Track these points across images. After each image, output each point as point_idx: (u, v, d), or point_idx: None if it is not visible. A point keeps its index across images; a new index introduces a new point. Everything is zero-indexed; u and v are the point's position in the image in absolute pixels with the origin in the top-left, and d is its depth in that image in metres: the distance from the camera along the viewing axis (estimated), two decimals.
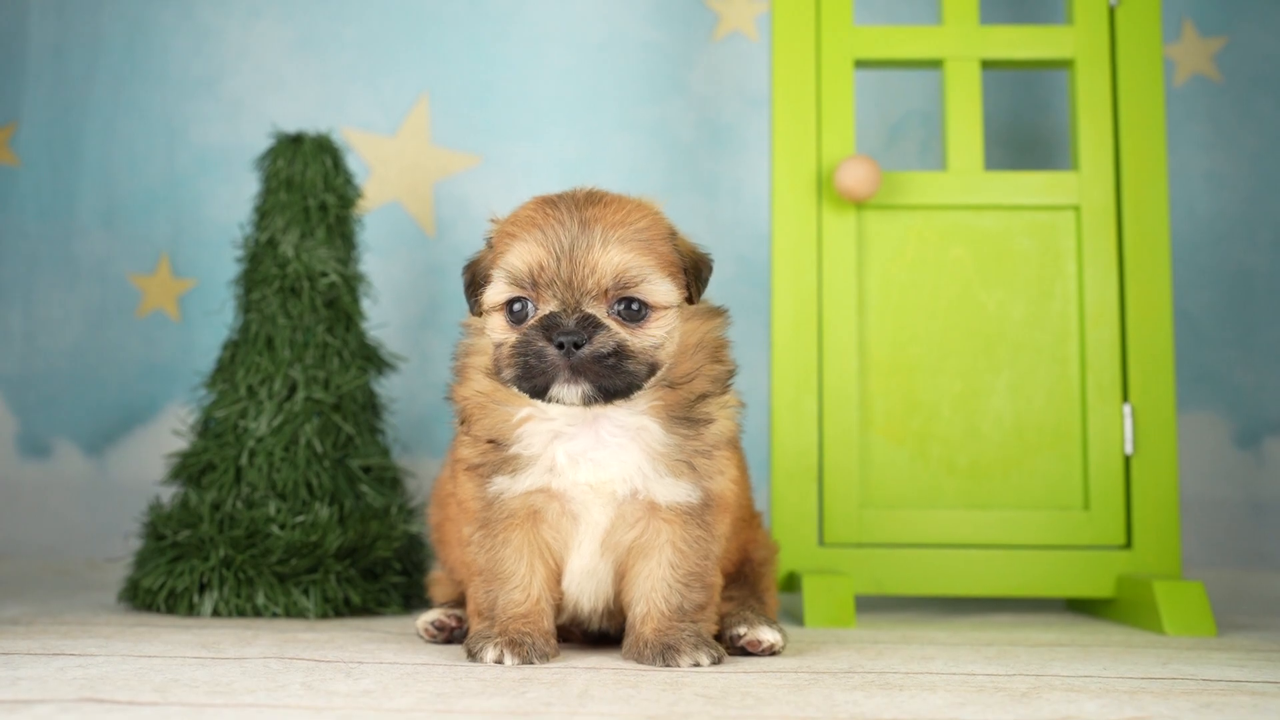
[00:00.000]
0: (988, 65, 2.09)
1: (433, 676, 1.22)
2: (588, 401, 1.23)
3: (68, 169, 2.56)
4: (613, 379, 1.22)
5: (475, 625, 1.39)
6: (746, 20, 2.55)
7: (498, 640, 1.30)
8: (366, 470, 1.99)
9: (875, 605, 2.12)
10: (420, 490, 2.20)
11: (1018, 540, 1.96)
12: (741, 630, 1.43)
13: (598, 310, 1.23)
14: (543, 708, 1.05)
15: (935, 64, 2.08)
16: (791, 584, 1.92)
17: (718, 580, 1.39)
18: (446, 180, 2.54)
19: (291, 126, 2.37)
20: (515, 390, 1.26)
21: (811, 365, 1.99)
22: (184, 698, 1.07)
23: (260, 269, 2.02)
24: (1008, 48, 2.06)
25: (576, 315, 1.22)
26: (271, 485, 1.90)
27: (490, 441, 1.33)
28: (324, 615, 1.82)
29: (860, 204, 2.02)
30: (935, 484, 1.99)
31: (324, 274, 2.02)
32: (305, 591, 1.82)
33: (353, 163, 2.44)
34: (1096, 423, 1.97)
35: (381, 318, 2.36)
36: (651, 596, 1.33)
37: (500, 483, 1.33)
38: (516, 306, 1.26)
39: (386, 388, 2.18)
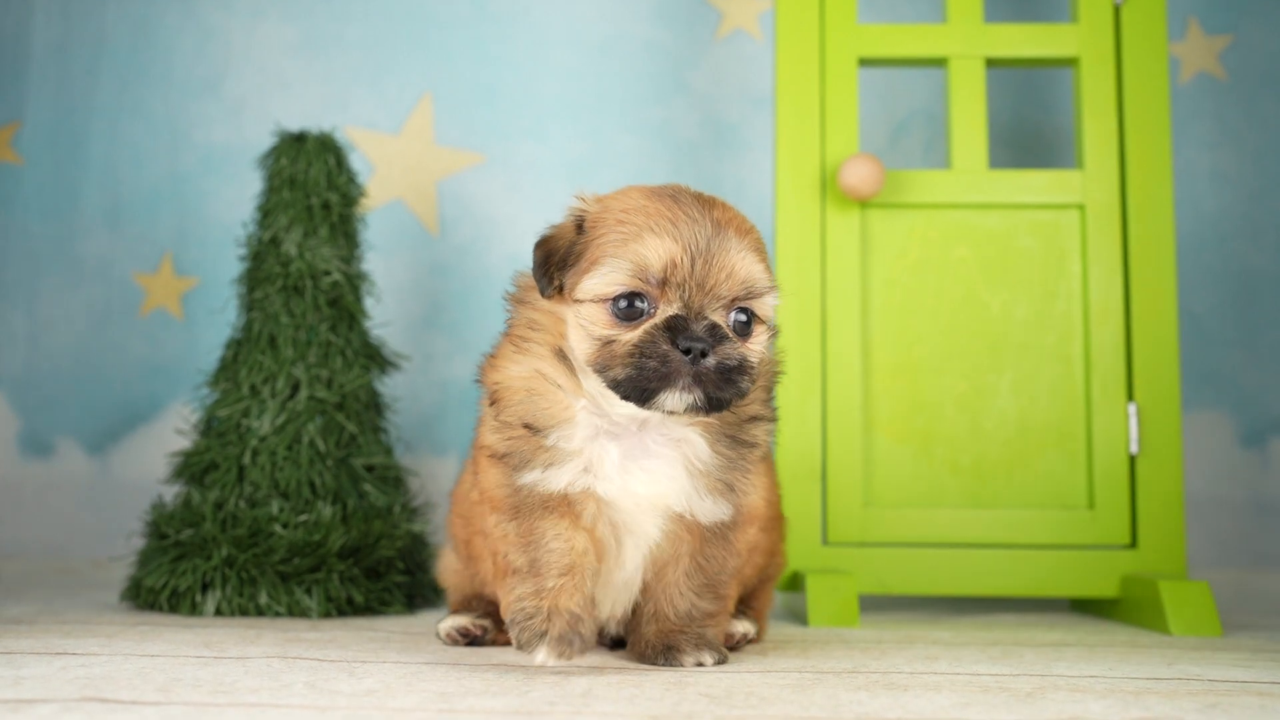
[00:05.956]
0: (992, 63, 2.08)
1: (436, 676, 1.22)
2: (691, 411, 1.16)
3: (71, 168, 2.56)
4: (725, 391, 1.16)
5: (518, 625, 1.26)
6: (749, 19, 2.54)
7: (547, 631, 1.20)
8: (369, 469, 1.98)
9: (879, 605, 2.11)
10: (423, 490, 2.20)
11: (1022, 540, 1.95)
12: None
13: (719, 318, 1.17)
14: (546, 707, 1.04)
15: (940, 62, 2.08)
16: (795, 583, 1.92)
17: (733, 592, 1.37)
18: (450, 179, 2.53)
19: (295, 126, 2.37)
20: (614, 393, 1.17)
21: (815, 364, 1.98)
22: (187, 697, 1.07)
23: (263, 268, 2.02)
24: (1012, 46, 2.05)
25: (705, 322, 1.15)
26: (274, 484, 1.89)
27: (526, 426, 1.24)
28: (327, 615, 1.81)
29: (864, 203, 2.01)
30: (939, 483, 1.98)
31: (327, 272, 2.01)
32: (308, 591, 1.81)
33: (356, 161, 2.44)
34: (1101, 422, 1.96)
35: (385, 316, 2.35)
36: (661, 599, 1.31)
37: (532, 476, 1.24)
38: (633, 303, 1.17)
39: (390, 386, 2.18)
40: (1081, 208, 2.01)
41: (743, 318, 1.19)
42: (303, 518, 1.86)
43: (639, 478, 1.24)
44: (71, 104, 2.58)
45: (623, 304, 1.17)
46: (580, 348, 1.20)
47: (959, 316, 2.01)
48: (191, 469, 1.95)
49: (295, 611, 1.80)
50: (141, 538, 1.98)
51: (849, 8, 2.05)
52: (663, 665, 1.28)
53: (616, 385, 1.16)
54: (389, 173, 2.53)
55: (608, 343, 1.17)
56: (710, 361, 1.14)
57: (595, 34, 2.55)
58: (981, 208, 2.03)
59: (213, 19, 2.58)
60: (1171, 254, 1.98)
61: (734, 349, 1.16)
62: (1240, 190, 2.46)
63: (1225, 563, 2.35)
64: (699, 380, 1.14)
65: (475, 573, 1.53)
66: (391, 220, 2.51)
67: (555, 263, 1.22)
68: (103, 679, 1.16)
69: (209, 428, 1.99)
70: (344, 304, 2.03)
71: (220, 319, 2.37)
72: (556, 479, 1.24)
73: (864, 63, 2.08)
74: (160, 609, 1.83)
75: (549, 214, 2.52)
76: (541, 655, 1.20)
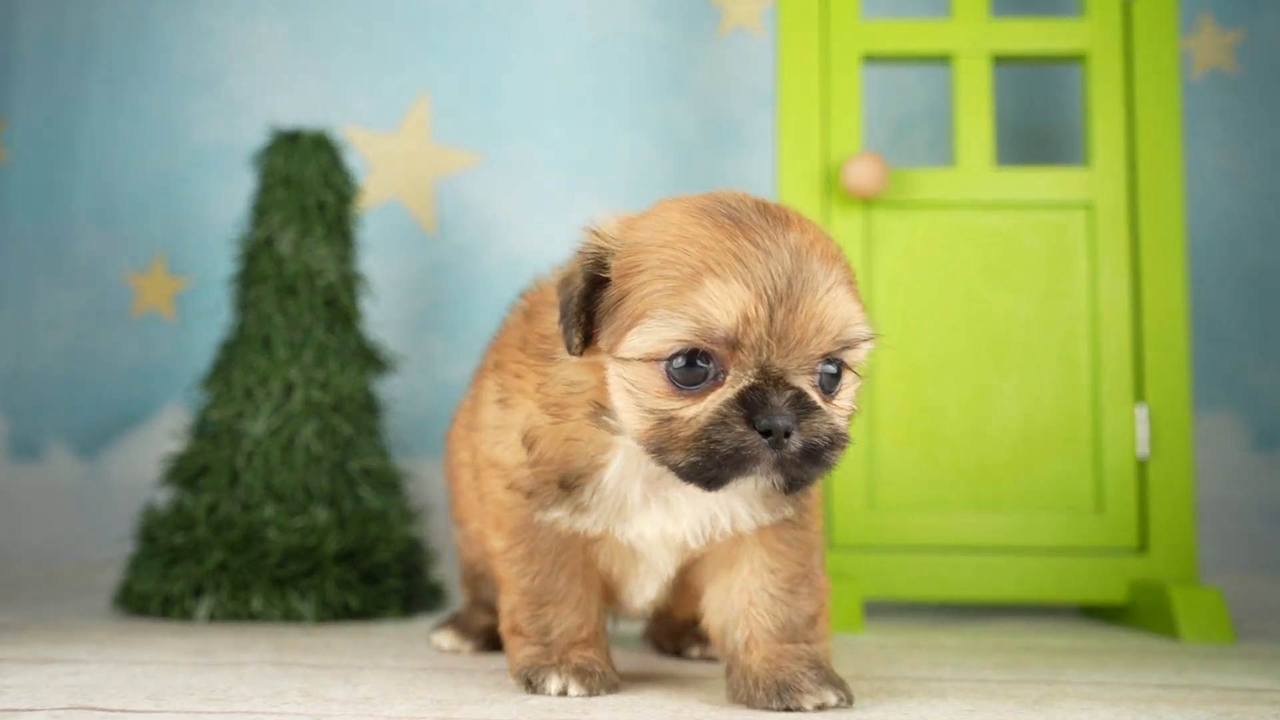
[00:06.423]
0: (999, 60, 2.06)
1: (432, 683, 1.21)
2: (768, 490, 0.97)
3: (60, 166, 2.54)
4: (812, 472, 0.95)
5: (520, 646, 1.17)
6: (751, 16, 2.52)
7: (561, 669, 1.12)
8: (366, 472, 1.96)
9: (883, 610, 2.09)
10: (420, 492, 2.19)
11: (1028, 544, 1.93)
12: (694, 652, 1.40)
13: (804, 382, 0.95)
14: (545, 715, 1.03)
15: (945, 58, 2.05)
16: None
17: (828, 583, 1.15)
18: (448, 178, 2.51)
19: (291, 123, 2.34)
20: (677, 476, 0.97)
21: None
22: (178, 705, 1.06)
23: (257, 268, 1.99)
24: (1019, 41, 2.03)
25: (790, 393, 0.93)
26: (268, 488, 1.87)
27: (561, 485, 1.09)
28: (322, 620, 1.79)
29: (868, 201, 1.99)
30: (944, 487, 1.96)
31: (322, 273, 1.99)
32: (303, 596, 1.79)
33: (353, 160, 2.42)
34: (1109, 425, 1.94)
35: (381, 317, 2.33)
36: (751, 614, 1.08)
37: (555, 514, 1.10)
38: (693, 362, 0.94)
39: (386, 388, 2.16)
40: (1089, 206, 1.99)
41: (832, 369, 0.98)
42: (298, 521, 1.84)
43: (663, 512, 1.08)
44: (60, 100, 2.55)
45: (680, 363, 0.94)
46: (627, 418, 0.99)
47: (963, 318, 1.98)
48: (184, 472, 1.92)
49: (290, 617, 1.78)
50: (132, 542, 1.95)
51: (852, 4, 2.03)
52: (778, 710, 1.04)
53: (677, 470, 0.96)
54: (386, 172, 2.51)
55: (666, 420, 0.95)
56: (795, 444, 0.93)
57: (595, 32, 2.53)
58: (987, 206, 2.00)
59: (207, 15, 2.56)
60: (1182, 253, 1.95)
61: (824, 423, 0.94)
62: (1252, 188, 2.44)
63: (1237, 568, 2.33)
64: (780, 465, 0.93)
65: (465, 532, 1.43)
66: (388, 220, 2.49)
67: (574, 319, 1.00)
68: (92, 687, 1.15)
69: (202, 430, 1.97)
70: (340, 305, 2.01)
71: (213, 320, 2.35)
72: (584, 522, 1.09)
73: (868, 59, 2.06)
74: (151, 615, 1.80)
75: (548, 214, 2.52)
76: (555, 685, 1.11)
